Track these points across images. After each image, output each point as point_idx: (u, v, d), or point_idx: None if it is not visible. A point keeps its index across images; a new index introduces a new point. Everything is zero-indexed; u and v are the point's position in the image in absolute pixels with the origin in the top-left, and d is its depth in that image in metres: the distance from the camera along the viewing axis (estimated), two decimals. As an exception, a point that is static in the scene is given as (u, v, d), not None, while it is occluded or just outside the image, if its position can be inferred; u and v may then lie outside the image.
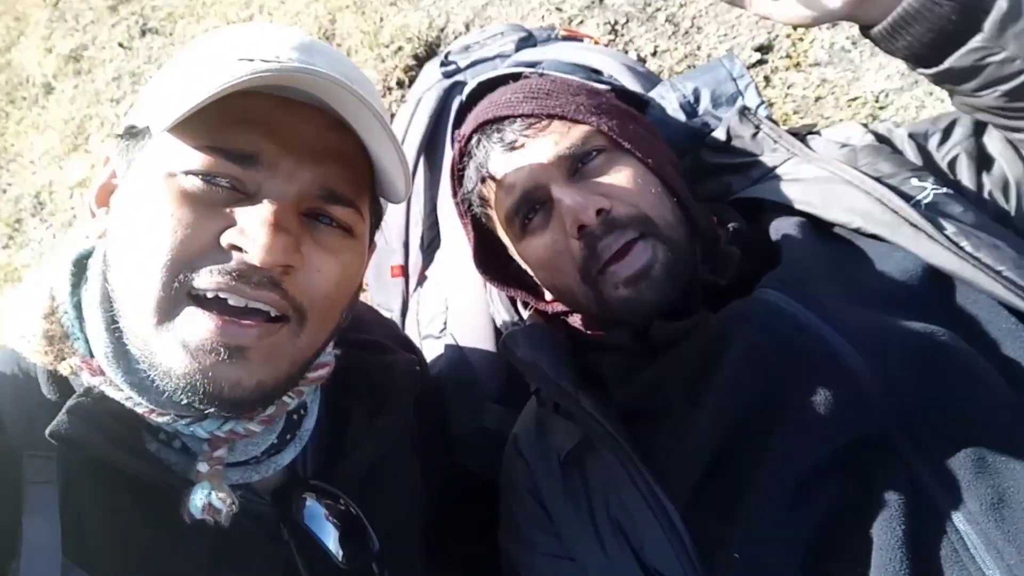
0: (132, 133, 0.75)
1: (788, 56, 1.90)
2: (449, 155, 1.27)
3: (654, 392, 0.94)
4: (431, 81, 1.61)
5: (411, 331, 1.43)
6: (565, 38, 1.69)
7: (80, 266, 0.79)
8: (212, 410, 0.70)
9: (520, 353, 1.03)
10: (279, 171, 0.70)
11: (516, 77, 1.17)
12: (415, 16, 2.51)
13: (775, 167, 1.07)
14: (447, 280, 1.40)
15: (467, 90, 1.30)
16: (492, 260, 1.17)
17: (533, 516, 0.99)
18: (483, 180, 1.05)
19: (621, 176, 0.98)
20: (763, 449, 0.83)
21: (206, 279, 0.66)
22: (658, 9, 2.18)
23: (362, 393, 0.93)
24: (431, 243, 1.50)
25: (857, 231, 0.95)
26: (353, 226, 0.77)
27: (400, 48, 2.44)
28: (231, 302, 0.67)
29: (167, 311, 0.67)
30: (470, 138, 1.07)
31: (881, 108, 1.69)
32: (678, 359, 0.92)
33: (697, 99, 1.27)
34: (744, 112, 1.14)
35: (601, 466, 0.93)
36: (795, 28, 1.90)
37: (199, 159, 0.68)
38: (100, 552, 0.68)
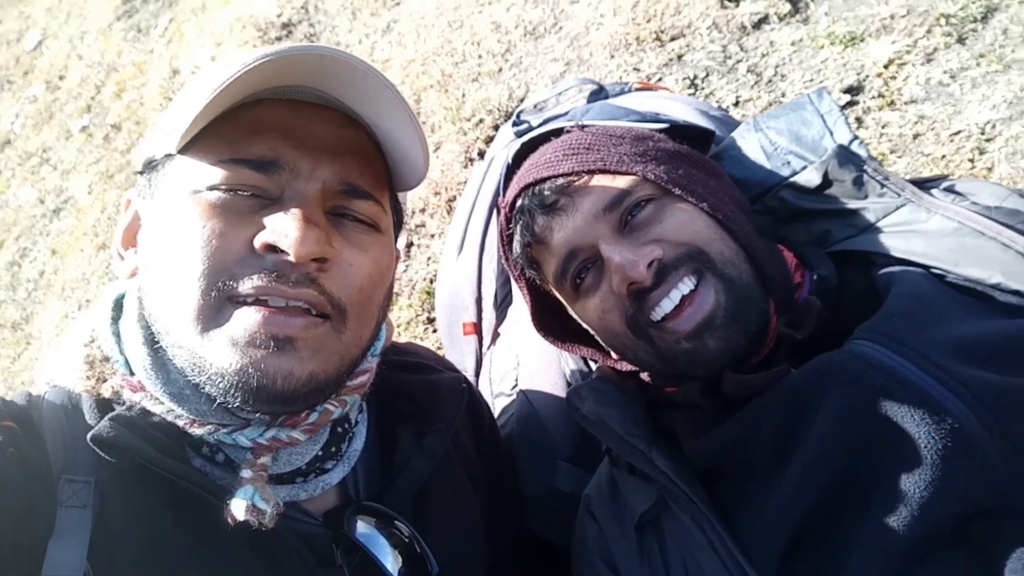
0: (151, 166, 0.78)
1: (880, 95, 1.79)
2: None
3: (733, 451, 0.86)
4: (505, 141, 1.61)
5: (484, 389, 1.38)
6: (639, 90, 1.66)
7: (119, 305, 0.82)
8: (264, 407, 0.69)
9: (585, 409, 0.96)
10: (300, 172, 0.72)
11: (559, 133, 1.13)
12: (495, 89, 2.58)
13: (885, 215, 0.97)
14: (518, 336, 1.35)
15: (512, 151, 1.27)
16: (552, 320, 1.13)
17: (605, 584, 0.90)
18: (529, 244, 1.02)
19: (673, 220, 0.92)
20: (861, 517, 0.74)
21: (246, 285, 0.67)
22: (739, 61, 2.14)
23: (408, 413, 0.92)
24: (504, 300, 1.46)
25: (995, 288, 0.84)
26: (378, 220, 0.79)
27: (481, 120, 2.50)
28: (271, 303, 0.68)
29: (211, 317, 0.67)
30: (514, 202, 1.05)
31: (988, 140, 1.55)
32: (759, 416, 0.84)
33: (780, 137, 1.19)
34: (845, 153, 1.02)
35: (678, 529, 0.85)
36: (886, 67, 1.80)
37: (220, 173, 0.70)
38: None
